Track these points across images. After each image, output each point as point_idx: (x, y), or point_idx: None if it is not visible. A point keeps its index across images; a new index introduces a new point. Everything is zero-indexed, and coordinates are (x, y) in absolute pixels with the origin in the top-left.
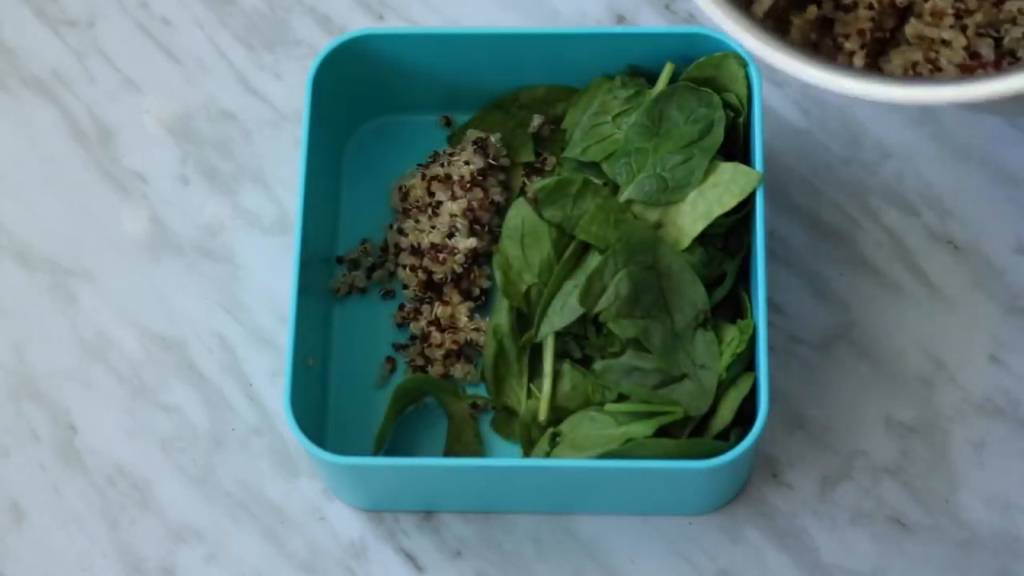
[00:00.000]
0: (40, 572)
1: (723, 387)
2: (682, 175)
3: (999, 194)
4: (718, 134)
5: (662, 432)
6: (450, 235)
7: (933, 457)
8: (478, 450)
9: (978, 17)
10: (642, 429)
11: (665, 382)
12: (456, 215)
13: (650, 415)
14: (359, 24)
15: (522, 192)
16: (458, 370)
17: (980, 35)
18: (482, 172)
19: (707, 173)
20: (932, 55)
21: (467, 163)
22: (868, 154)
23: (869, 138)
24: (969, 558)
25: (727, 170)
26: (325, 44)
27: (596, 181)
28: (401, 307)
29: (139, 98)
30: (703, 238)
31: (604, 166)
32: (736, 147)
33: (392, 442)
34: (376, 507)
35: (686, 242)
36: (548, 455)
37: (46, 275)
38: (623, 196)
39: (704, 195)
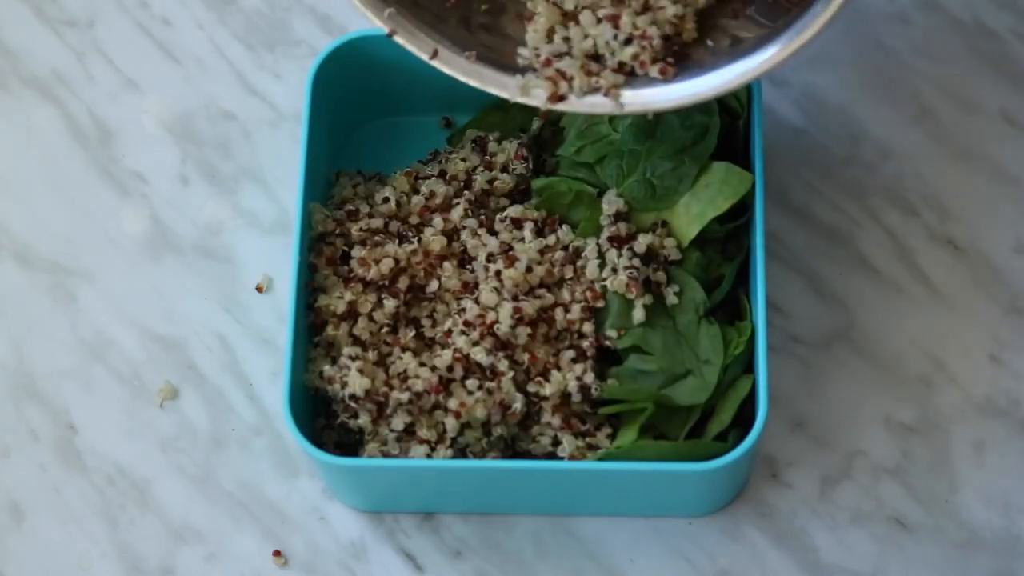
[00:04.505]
0: (40, 572)
1: (722, 389)
2: (671, 182)
3: (999, 194)
4: (711, 142)
5: (660, 435)
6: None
7: (933, 457)
8: None
9: None
10: (628, 435)
11: (669, 381)
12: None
13: (631, 415)
14: (359, 24)
15: None
16: None
17: None
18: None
19: (699, 173)
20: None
21: (464, 160)
22: (868, 154)
23: (869, 138)
24: (969, 558)
25: (719, 170)
26: (325, 44)
27: (591, 190)
28: None
29: (139, 98)
30: (702, 242)
31: (597, 168)
32: (736, 148)
33: None
34: (375, 508)
35: (683, 245)
36: None
37: (46, 275)
38: None
39: (696, 196)
